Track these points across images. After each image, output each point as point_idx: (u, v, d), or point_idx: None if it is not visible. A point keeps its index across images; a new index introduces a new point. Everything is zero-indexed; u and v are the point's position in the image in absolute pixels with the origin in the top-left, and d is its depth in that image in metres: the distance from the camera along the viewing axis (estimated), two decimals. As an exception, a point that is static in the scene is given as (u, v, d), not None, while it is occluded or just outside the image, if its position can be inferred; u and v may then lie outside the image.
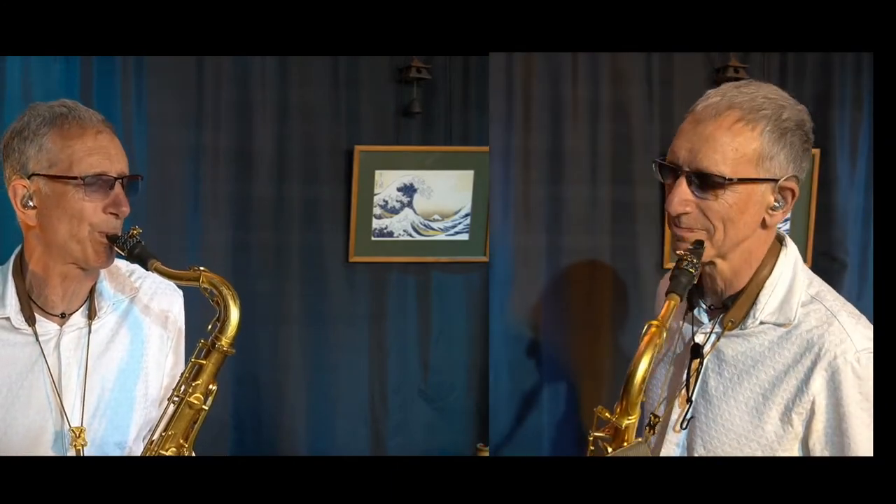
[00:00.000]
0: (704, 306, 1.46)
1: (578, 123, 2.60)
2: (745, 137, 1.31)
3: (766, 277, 1.39)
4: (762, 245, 1.40)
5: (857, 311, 1.39)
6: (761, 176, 1.33)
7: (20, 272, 1.49)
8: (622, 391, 1.29)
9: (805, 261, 2.60)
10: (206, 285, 1.40)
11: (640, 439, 1.45)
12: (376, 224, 2.62)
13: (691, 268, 1.33)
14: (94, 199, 1.41)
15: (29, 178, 1.42)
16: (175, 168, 2.47)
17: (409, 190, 2.62)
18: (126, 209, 1.44)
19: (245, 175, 2.54)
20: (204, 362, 1.40)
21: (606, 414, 1.32)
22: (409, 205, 2.64)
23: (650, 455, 1.43)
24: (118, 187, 1.43)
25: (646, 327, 1.30)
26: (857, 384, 1.33)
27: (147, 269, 1.42)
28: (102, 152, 1.43)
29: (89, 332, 1.50)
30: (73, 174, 1.40)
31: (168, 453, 1.39)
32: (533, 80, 2.59)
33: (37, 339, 1.47)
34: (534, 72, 2.59)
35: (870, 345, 1.34)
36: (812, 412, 1.35)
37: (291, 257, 2.59)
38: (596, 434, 1.36)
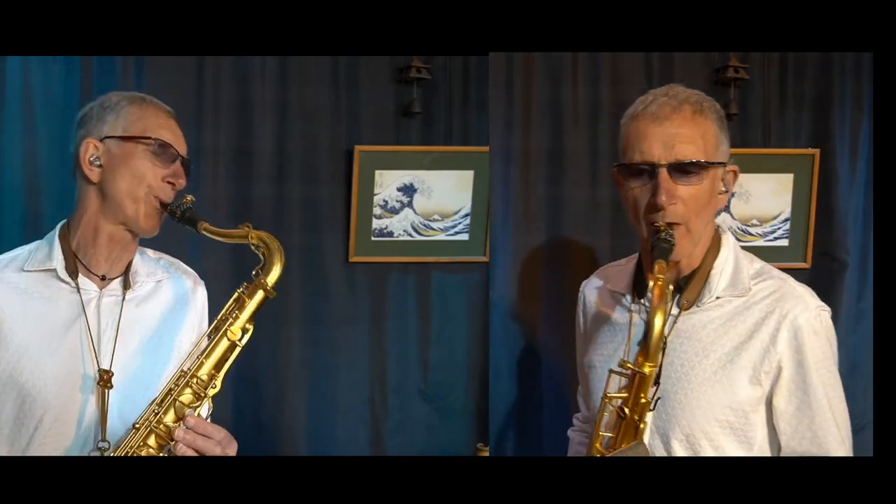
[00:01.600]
0: None
1: (578, 123, 2.60)
2: (704, 127, 1.47)
3: (716, 258, 1.52)
4: (712, 229, 1.54)
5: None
6: (720, 160, 1.49)
7: (66, 235, 1.61)
8: (643, 344, 1.38)
9: (805, 261, 2.62)
10: (255, 241, 1.57)
11: (638, 440, 1.45)
12: (376, 224, 2.62)
13: (671, 238, 1.42)
14: (158, 164, 1.57)
15: (101, 140, 1.57)
16: (175, 168, 2.46)
17: (409, 190, 2.62)
18: (183, 181, 1.61)
19: (245, 175, 2.54)
20: (247, 298, 1.51)
21: (629, 364, 1.39)
22: (409, 205, 2.63)
23: (650, 455, 1.44)
24: (178, 163, 1.60)
25: (651, 283, 1.38)
26: (816, 340, 1.46)
27: (197, 231, 1.57)
28: (172, 130, 1.61)
29: (123, 299, 1.60)
30: (146, 136, 1.56)
31: (203, 377, 1.47)
32: (533, 80, 2.59)
33: (78, 291, 1.56)
34: (534, 72, 2.59)
35: (823, 304, 1.49)
36: (779, 369, 1.46)
37: (291, 257, 2.57)
38: (611, 394, 1.43)
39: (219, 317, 1.52)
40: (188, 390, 1.47)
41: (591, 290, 1.76)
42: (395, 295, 2.68)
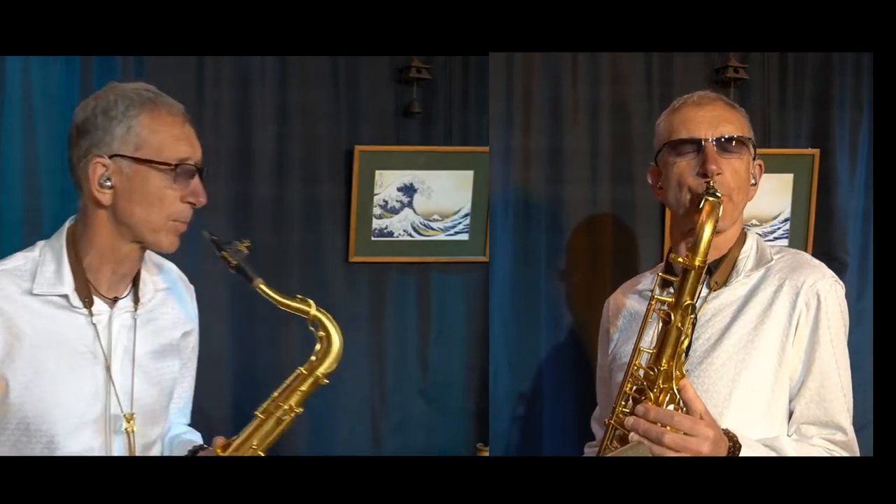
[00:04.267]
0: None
1: (578, 123, 2.60)
2: (738, 117, 1.62)
3: (742, 247, 1.63)
4: (741, 220, 1.65)
5: None
6: (755, 144, 1.62)
7: (74, 250, 1.46)
8: (692, 245, 1.46)
9: (805, 261, 2.62)
10: (313, 319, 1.43)
11: (639, 440, 1.45)
12: (376, 224, 2.62)
13: (718, 193, 1.51)
14: (177, 187, 1.43)
15: (111, 157, 1.41)
16: (175, 168, 2.46)
17: (409, 190, 2.62)
18: (204, 200, 1.46)
19: (245, 175, 2.54)
20: (295, 386, 1.45)
21: (679, 259, 1.46)
22: (409, 205, 2.64)
23: (650, 455, 1.44)
24: (197, 177, 1.45)
25: (702, 202, 1.49)
26: (831, 306, 1.54)
27: (252, 286, 1.42)
28: (189, 140, 1.45)
29: (134, 319, 1.50)
30: (162, 159, 1.42)
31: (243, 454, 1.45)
32: (533, 80, 2.59)
33: (91, 322, 1.45)
34: (534, 72, 2.59)
35: (838, 278, 1.58)
36: (796, 333, 1.54)
37: (291, 257, 2.59)
38: (658, 297, 1.50)
39: (266, 405, 1.46)
40: None
41: (617, 297, 1.82)
42: (395, 295, 2.69)
